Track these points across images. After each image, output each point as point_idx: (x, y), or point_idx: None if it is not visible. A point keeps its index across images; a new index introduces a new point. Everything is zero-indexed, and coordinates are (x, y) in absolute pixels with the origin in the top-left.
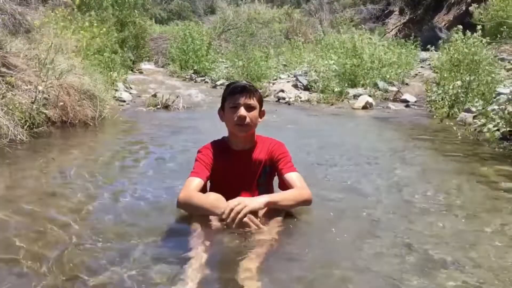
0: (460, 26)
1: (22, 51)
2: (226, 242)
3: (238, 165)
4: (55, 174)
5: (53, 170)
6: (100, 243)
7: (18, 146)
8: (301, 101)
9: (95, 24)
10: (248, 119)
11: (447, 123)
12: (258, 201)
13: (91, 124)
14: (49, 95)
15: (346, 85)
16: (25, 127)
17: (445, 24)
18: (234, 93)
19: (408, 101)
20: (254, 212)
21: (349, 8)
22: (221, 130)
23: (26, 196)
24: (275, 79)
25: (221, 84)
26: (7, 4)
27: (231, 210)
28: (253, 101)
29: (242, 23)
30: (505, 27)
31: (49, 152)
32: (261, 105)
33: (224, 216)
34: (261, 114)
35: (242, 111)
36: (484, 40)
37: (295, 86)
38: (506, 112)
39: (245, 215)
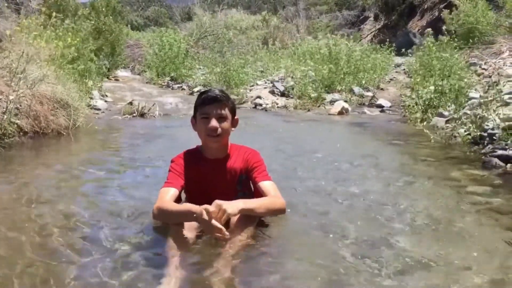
0: (430, 30)
1: None
2: (200, 249)
3: (213, 173)
4: (25, 185)
5: (23, 182)
6: (70, 256)
7: None
8: (278, 107)
9: (69, 33)
10: (219, 130)
11: (420, 127)
12: (235, 206)
13: (64, 133)
14: (20, 105)
15: (322, 90)
16: None
17: (418, 30)
18: (205, 104)
19: (383, 106)
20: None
21: (325, 14)
22: (197, 138)
23: None
24: (252, 86)
25: (198, 91)
26: None
27: (210, 215)
28: (225, 111)
29: (219, 30)
30: (476, 32)
31: (20, 164)
32: (233, 114)
33: (204, 217)
34: (234, 122)
35: (214, 122)
36: (455, 45)
37: (272, 92)
38: (476, 116)
39: (225, 220)
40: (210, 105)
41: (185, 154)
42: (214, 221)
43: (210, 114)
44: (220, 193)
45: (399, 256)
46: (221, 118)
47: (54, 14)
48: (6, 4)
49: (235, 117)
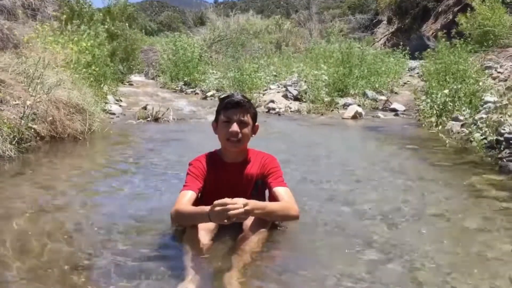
0: (442, 32)
1: (10, 66)
2: (216, 252)
3: (230, 177)
4: (42, 191)
5: (40, 187)
6: (88, 261)
7: (6, 162)
8: (291, 111)
9: (84, 38)
10: (240, 135)
11: (435, 131)
12: (259, 203)
13: (80, 138)
14: (37, 110)
15: (335, 94)
16: (14, 142)
17: (432, 33)
18: (228, 108)
19: (397, 110)
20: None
21: (338, 18)
22: (211, 142)
23: (12, 214)
24: (265, 90)
25: (211, 95)
26: None
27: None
28: (247, 118)
29: (233, 34)
30: (491, 35)
31: (37, 168)
32: (254, 121)
33: (227, 201)
34: (255, 129)
35: (235, 127)
36: (469, 48)
37: (285, 96)
38: (492, 120)
39: (246, 211)
40: (233, 110)
41: (203, 157)
42: (224, 200)
43: (232, 119)
44: (234, 196)
45: (415, 262)
46: (242, 124)
47: (64, 17)
48: (22, 10)
49: (256, 124)
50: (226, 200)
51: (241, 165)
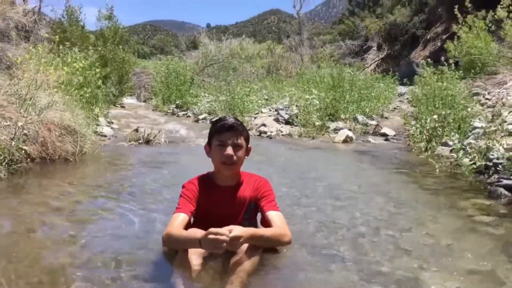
0: (424, 60)
1: (2, 87)
2: (207, 276)
3: (223, 200)
4: (32, 213)
5: (30, 209)
6: (76, 282)
7: None
8: (282, 135)
9: (77, 59)
10: (234, 158)
11: (425, 156)
12: (245, 230)
13: (71, 160)
14: (29, 131)
15: (326, 119)
16: (4, 164)
17: (421, 59)
18: (221, 131)
19: (387, 135)
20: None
21: (328, 43)
22: (203, 165)
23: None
24: (257, 113)
25: (203, 118)
26: None
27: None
28: (241, 140)
29: (225, 58)
30: (478, 63)
31: (26, 190)
32: (247, 143)
33: (209, 237)
34: (248, 151)
35: (229, 150)
36: (457, 75)
37: (277, 120)
38: (481, 146)
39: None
40: (227, 133)
41: (197, 180)
42: (218, 230)
43: (226, 142)
44: (227, 219)
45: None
46: (236, 147)
47: (56, 38)
48: (16, 32)
49: (249, 146)
50: (220, 230)
51: (234, 188)
